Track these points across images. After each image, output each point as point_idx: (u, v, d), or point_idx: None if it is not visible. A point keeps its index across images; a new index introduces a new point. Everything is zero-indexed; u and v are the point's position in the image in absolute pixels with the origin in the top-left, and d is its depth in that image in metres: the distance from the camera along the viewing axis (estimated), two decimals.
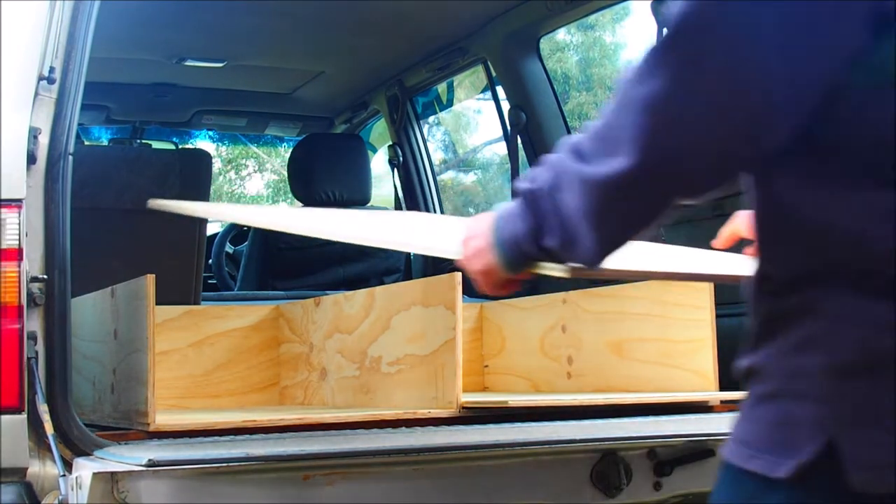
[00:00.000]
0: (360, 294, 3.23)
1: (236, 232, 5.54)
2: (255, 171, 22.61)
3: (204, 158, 4.08)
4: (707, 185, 1.41)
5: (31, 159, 2.46)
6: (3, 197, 2.37)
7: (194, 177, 3.89)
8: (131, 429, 2.56)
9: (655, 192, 1.39)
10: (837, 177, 1.36)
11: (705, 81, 1.30)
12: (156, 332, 2.55)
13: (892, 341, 1.28)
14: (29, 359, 2.35)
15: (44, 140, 2.49)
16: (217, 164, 20.01)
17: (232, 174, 22.54)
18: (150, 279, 2.52)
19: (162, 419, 2.51)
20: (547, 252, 1.52)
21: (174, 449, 2.27)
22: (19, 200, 2.39)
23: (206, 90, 5.50)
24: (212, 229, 5.90)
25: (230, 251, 5.50)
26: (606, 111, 1.40)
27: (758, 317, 1.47)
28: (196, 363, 3.51)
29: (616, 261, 1.50)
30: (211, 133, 6.31)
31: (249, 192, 22.65)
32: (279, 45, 4.88)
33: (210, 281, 5.20)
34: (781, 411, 1.37)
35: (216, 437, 2.47)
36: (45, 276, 2.43)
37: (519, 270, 1.59)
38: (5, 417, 2.31)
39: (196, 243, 3.83)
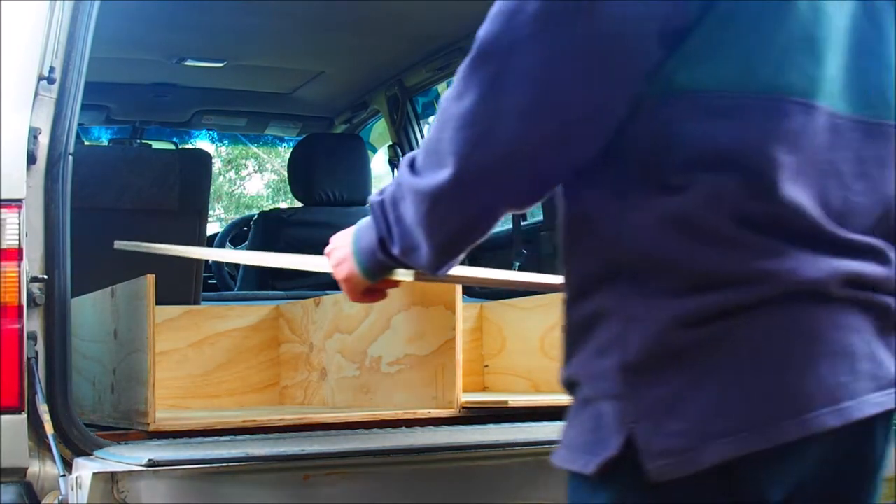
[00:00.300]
0: None
1: (236, 232, 5.54)
2: (255, 172, 22.61)
3: (204, 158, 4.08)
4: (526, 196, 1.51)
5: (31, 159, 2.46)
6: (3, 197, 2.37)
7: (194, 177, 3.89)
8: (131, 429, 2.56)
9: (477, 202, 1.48)
10: (626, 184, 1.45)
11: (509, 100, 1.39)
12: (156, 332, 2.55)
13: (679, 338, 1.38)
14: (29, 359, 2.36)
15: (44, 140, 2.50)
16: (217, 165, 20.01)
17: (232, 174, 22.54)
18: (150, 279, 2.52)
19: (162, 419, 2.51)
20: (395, 259, 1.63)
21: (174, 449, 2.27)
22: (19, 200, 2.39)
23: (206, 90, 5.49)
24: (212, 229, 5.91)
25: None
26: (433, 125, 1.49)
27: (566, 327, 1.56)
28: (196, 363, 3.51)
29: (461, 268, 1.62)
30: (211, 133, 6.31)
31: (249, 192, 22.65)
32: (279, 45, 4.88)
33: (210, 281, 5.20)
34: (593, 413, 1.47)
35: (216, 437, 2.47)
36: (45, 276, 2.43)
37: (376, 277, 1.72)
38: (5, 417, 2.31)
39: (196, 243, 3.84)
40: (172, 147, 5.91)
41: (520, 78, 1.39)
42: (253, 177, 22.81)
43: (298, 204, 5.04)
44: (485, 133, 1.42)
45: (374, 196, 1.64)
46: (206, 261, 4.85)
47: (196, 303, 3.77)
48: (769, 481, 1.41)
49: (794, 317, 1.40)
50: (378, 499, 2.26)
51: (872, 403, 1.42)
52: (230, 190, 22.22)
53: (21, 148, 2.44)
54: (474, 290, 4.83)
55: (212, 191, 4.18)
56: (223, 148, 17.57)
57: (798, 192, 1.42)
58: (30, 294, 2.39)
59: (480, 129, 1.42)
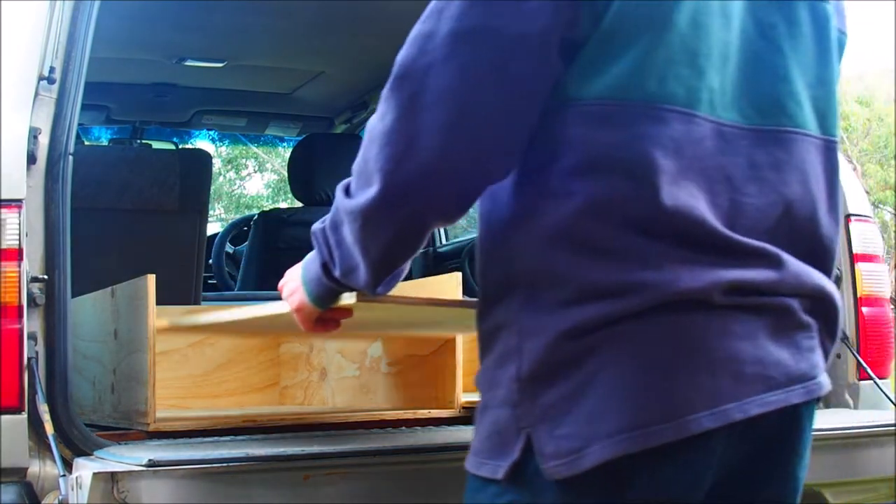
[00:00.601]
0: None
1: (237, 232, 5.54)
2: (256, 172, 22.60)
3: (204, 158, 4.08)
4: (452, 208, 1.58)
5: (32, 159, 2.46)
6: (3, 197, 2.37)
7: (194, 177, 3.89)
8: (131, 429, 2.56)
9: (404, 216, 1.56)
10: (521, 196, 1.56)
11: (427, 117, 1.49)
12: (156, 332, 2.55)
13: (565, 349, 1.49)
14: (29, 359, 2.36)
15: (44, 140, 2.50)
16: (217, 165, 20.00)
17: (232, 174, 22.53)
18: (150, 279, 2.52)
19: (162, 418, 2.51)
20: (339, 283, 1.71)
21: (174, 449, 2.27)
22: (19, 200, 2.39)
23: (206, 90, 5.49)
24: (212, 229, 5.91)
25: (230, 251, 5.50)
26: (361, 148, 1.58)
27: (478, 337, 1.66)
28: (196, 363, 3.50)
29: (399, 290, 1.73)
30: (211, 133, 6.31)
31: (250, 192, 22.65)
32: (279, 45, 4.87)
33: (210, 281, 5.20)
34: (493, 419, 1.58)
35: (216, 437, 2.47)
36: (46, 277, 2.43)
37: (325, 304, 1.79)
38: (5, 417, 2.31)
39: (196, 243, 3.84)
40: (172, 147, 5.91)
41: (436, 96, 1.49)
42: (253, 177, 22.81)
43: (298, 204, 5.04)
44: (406, 149, 1.51)
45: (316, 225, 1.72)
46: (207, 261, 4.85)
47: (196, 303, 3.77)
48: (658, 479, 1.50)
49: (673, 326, 1.49)
50: (378, 499, 2.26)
51: (760, 404, 1.51)
52: (230, 190, 22.21)
53: (21, 148, 2.44)
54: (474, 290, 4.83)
55: (212, 191, 4.18)
56: (223, 148, 17.57)
57: (683, 197, 1.50)
58: (30, 294, 2.39)
59: (402, 145, 1.51)
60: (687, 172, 1.51)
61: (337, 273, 1.69)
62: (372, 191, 1.54)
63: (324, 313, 1.84)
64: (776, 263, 1.56)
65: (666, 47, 1.51)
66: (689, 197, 1.50)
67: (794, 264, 1.59)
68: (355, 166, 1.60)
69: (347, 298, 1.76)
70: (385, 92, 1.55)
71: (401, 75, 1.53)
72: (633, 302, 1.47)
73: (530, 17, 1.48)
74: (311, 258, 1.77)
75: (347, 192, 1.62)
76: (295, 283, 1.84)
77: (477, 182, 1.56)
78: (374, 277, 1.65)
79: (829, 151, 1.68)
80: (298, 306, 1.83)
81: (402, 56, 1.54)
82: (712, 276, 1.49)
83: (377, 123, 1.55)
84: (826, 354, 1.70)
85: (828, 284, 1.65)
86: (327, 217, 1.69)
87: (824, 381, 1.64)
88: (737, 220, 1.55)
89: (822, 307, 1.65)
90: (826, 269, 1.68)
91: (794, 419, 1.62)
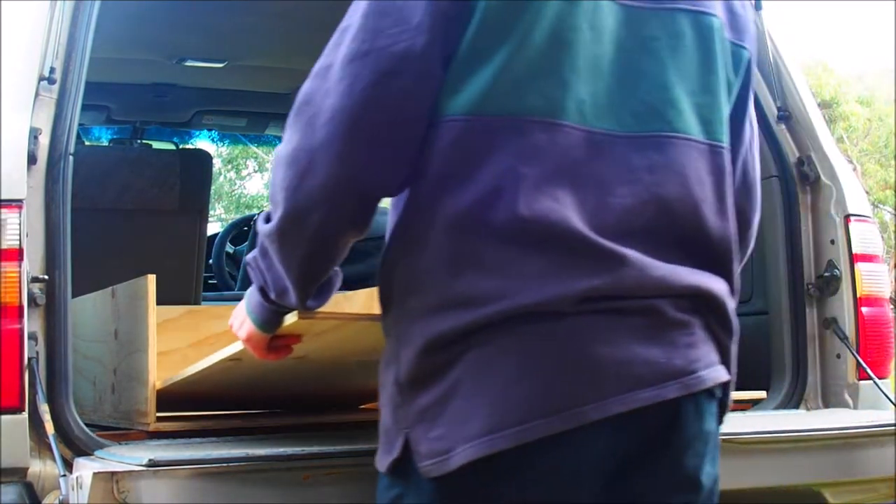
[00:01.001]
0: (361, 294, 3.22)
1: (237, 232, 5.54)
2: (256, 172, 22.59)
3: (204, 158, 4.08)
4: (356, 220, 1.70)
5: (32, 159, 2.46)
6: (4, 197, 2.37)
7: (194, 177, 3.90)
8: (131, 429, 2.56)
9: (314, 232, 1.68)
10: (400, 211, 1.69)
11: (323, 136, 1.62)
12: (156, 331, 2.55)
13: (431, 357, 1.61)
14: (29, 359, 2.36)
15: (44, 140, 2.50)
16: (217, 164, 20.00)
17: (232, 174, 22.53)
18: (151, 279, 2.52)
19: (162, 417, 2.51)
20: (277, 304, 1.83)
21: (174, 449, 2.27)
22: (20, 200, 2.39)
23: (206, 90, 5.49)
24: (212, 229, 5.90)
25: (230, 251, 5.50)
26: (271, 173, 1.72)
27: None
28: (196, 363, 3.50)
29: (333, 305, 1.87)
30: (211, 133, 6.31)
31: (250, 192, 22.64)
32: (279, 45, 4.87)
33: (210, 281, 5.20)
34: (383, 418, 1.72)
35: (216, 438, 2.48)
36: (46, 277, 2.43)
37: (272, 328, 1.90)
38: (6, 417, 2.31)
39: (196, 243, 3.84)
40: (173, 147, 5.91)
41: (329, 115, 1.62)
42: (253, 177, 22.80)
43: None
44: (306, 168, 1.64)
45: (248, 255, 1.83)
46: (207, 261, 4.85)
47: (196, 303, 3.77)
48: (527, 477, 1.60)
49: (528, 335, 1.59)
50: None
51: (622, 402, 1.60)
52: (230, 190, 22.21)
53: (21, 148, 2.44)
54: None
55: (212, 191, 4.18)
56: (223, 148, 17.57)
57: (545, 203, 1.59)
58: (30, 294, 2.39)
59: (302, 165, 1.64)
60: (552, 179, 1.60)
61: (273, 296, 1.81)
62: (280, 212, 1.68)
63: (274, 340, 1.95)
64: (636, 267, 1.63)
65: (523, 63, 1.61)
66: (552, 202, 1.59)
67: (659, 267, 1.65)
68: (269, 193, 1.73)
69: (289, 318, 1.86)
70: (289, 120, 1.69)
71: (302, 102, 1.68)
72: (487, 312, 1.58)
73: (413, 35, 1.61)
74: (251, 288, 1.87)
75: (267, 217, 1.74)
76: (241, 314, 1.94)
77: (373, 194, 1.68)
78: (302, 294, 1.77)
79: (714, 155, 1.75)
80: (248, 335, 1.93)
81: (304, 88, 1.69)
82: (562, 287, 1.58)
83: (282, 148, 1.68)
84: (721, 348, 1.76)
85: (706, 282, 1.71)
86: (257, 246, 1.80)
87: (707, 375, 1.69)
88: (605, 221, 1.63)
89: (703, 304, 1.71)
90: (718, 266, 1.75)
91: (676, 414, 1.67)
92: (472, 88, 1.61)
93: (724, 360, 1.77)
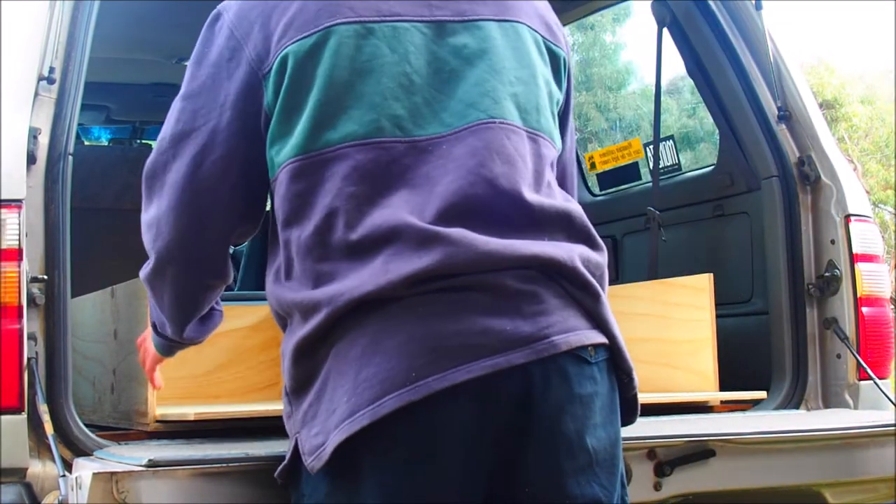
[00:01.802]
0: None
1: None
2: None
3: None
4: (208, 268, 2.03)
5: (31, 159, 2.46)
6: (3, 197, 2.37)
7: None
8: (131, 429, 2.56)
9: (175, 281, 2.01)
10: (271, 248, 1.99)
11: (165, 204, 1.93)
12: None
13: (301, 363, 1.83)
14: (29, 359, 2.36)
15: (44, 140, 2.49)
16: None
17: None
18: None
19: (162, 417, 2.51)
20: (165, 336, 2.17)
21: (174, 449, 2.27)
22: (19, 200, 2.39)
23: None
24: None
25: (230, 251, 5.49)
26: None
27: None
28: (196, 363, 3.50)
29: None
30: None
31: None
32: None
33: None
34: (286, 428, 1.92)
35: (216, 438, 2.47)
36: (45, 277, 2.43)
37: (172, 352, 2.25)
38: (5, 418, 2.31)
39: None
40: None
41: (165, 188, 1.93)
42: None
43: None
44: (156, 231, 1.96)
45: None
46: None
47: None
48: (388, 448, 1.73)
49: (369, 321, 1.75)
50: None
51: (468, 371, 1.70)
52: None
53: (21, 148, 2.44)
54: None
55: None
56: None
57: (378, 211, 1.78)
58: (30, 294, 2.39)
59: (155, 229, 1.96)
60: (382, 189, 1.80)
61: (161, 329, 2.16)
62: (149, 265, 2.01)
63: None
64: (463, 245, 1.75)
65: (333, 100, 1.83)
66: (384, 209, 1.78)
67: (488, 242, 1.77)
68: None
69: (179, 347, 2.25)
70: (143, 191, 1.99)
71: (147, 176, 1.97)
72: (331, 308, 1.76)
73: (219, 113, 1.89)
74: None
75: (145, 263, 2.05)
76: (148, 341, 2.28)
77: (213, 247, 2.00)
78: (176, 328, 2.12)
79: (532, 141, 1.90)
80: (153, 360, 2.30)
81: (149, 160, 1.97)
82: (393, 274, 1.74)
83: (142, 216, 2.00)
84: (588, 312, 1.85)
85: (548, 251, 1.81)
86: None
87: (561, 340, 1.78)
88: (434, 210, 1.78)
89: (551, 272, 1.81)
90: (562, 234, 1.85)
91: (533, 380, 1.76)
92: (295, 135, 1.84)
93: (597, 324, 1.86)
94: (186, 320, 2.10)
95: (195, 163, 1.90)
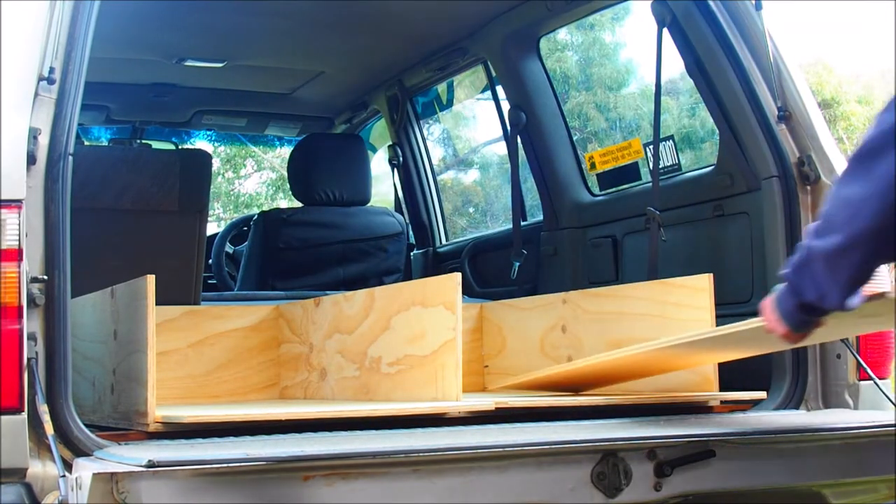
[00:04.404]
0: (360, 294, 3.23)
1: (236, 232, 5.54)
2: (255, 171, 22.59)
3: (204, 158, 4.08)
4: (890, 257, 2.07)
5: (31, 159, 2.46)
6: (3, 197, 2.37)
7: (194, 177, 3.89)
8: (131, 429, 2.56)
9: (862, 263, 2.06)
10: None
11: (875, 196, 1.94)
12: (156, 332, 2.55)
13: None
14: (29, 359, 2.35)
15: (44, 140, 2.49)
16: (216, 164, 19.99)
17: (230, 174, 22.51)
18: (150, 279, 2.52)
19: (162, 417, 2.51)
20: (821, 311, 2.17)
21: (174, 449, 2.27)
22: (19, 201, 2.39)
23: (206, 90, 5.49)
24: (212, 229, 5.90)
25: (230, 251, 5.50)
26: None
27: None
28: (196, 363, 3.50)
29: None
30: (210, 133, 6.31)
31: (249, 191, 22.63)
32: (279, 45, 4.87)
33: (210, 281, 5.20)
34: None
35: (216, 438, 2.47)
36: (45, 277, 2.43)
37: (807, 329, 2.24)
38: (5, 418, 2.31)
39: (196, 243, 3.83)
40: (172, 147, 5.91)
41: (879, 178, 1.91)
42: (252, 176, 22.80)
43: (298, 204, 5.04)
44: (856, 213, 1.96)
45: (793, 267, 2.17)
46: (207, 261, 4.85)
47: (196, 303, 3.77)
48: None
49: None
50: (378, 499, 2.26)
51: None
52: (229, 190, 22.20)
53: (21, 148, 2.44)
54: (474, 291, 4.83)
55: (211, 190, 4.18)
56: (221, 147, 17.56)
57: None
58: (30, 294, 2.39)
59: (853, 209, 1.96)
60: None
61: (812, 299, 2.14)
62: (834, 241, 2.02)
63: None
64: None
65: None
66: None
67: None
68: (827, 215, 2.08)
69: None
70: (850, 162, 1.99)
71: (863, 152, 1.96)
72: None
73: None
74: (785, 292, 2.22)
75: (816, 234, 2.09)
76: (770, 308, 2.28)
77: None
78: (841, 299, 2.11)
79: None
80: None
81: (868, 136, 1.96)
82: None
83: (841, 188, 2.01)
84: None
85: None
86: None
87: None
88: None
89: None
90: None
91: None
92: None
93: None
94: (853, 292, 2.11)
95: None
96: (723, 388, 3.06)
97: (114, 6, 3.08)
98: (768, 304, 2.27)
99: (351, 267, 4.97)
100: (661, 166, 3.81)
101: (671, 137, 3.99)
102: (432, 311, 2.88)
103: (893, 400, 2.97)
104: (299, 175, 4.99)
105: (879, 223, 1.95)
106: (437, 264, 5.33)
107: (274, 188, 21.47)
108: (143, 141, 5.79)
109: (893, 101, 1.95)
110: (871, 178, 1.93)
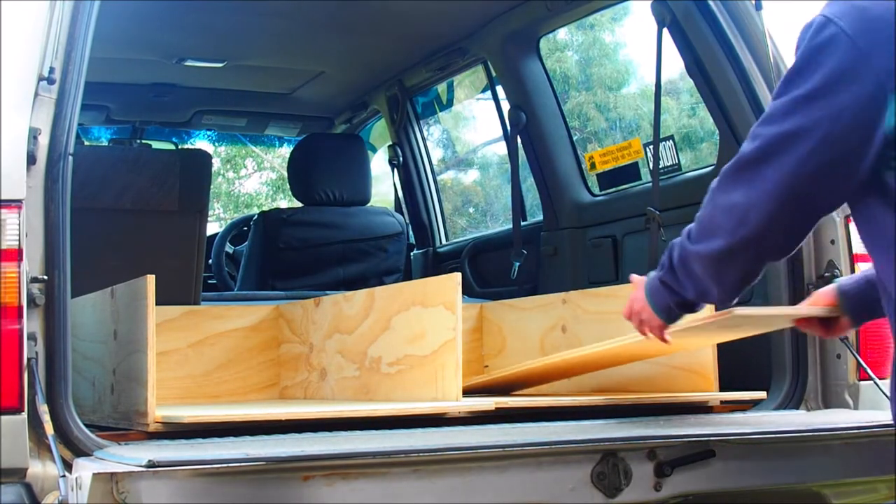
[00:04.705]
0: (360, 294, 3.23)
1: (236, 232, 5.54)
2: (255, 171, 22.59)
3: (204, 158, 4.08)
4: (780, 255, 2.16)
5: (31, 159, 2.46)
6: (3, 197, 2.37)
7: (194, 177, 3.89)
8: (131, 429, 2.56)
9: (749, 262, 2.14)
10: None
11: (762, 200, 2.03)
12: (156, 332, 2.55)
13: None
14: (29, 359, 2.35)
15: (44, 140, 2.49)
16: (216, 164, 19.98)
17: (231, 174, 22.52)
18: (150, 279, 2.52)
19: (162, 417, 2.51)
20: (693, 305, 2.35)
21: (174, 449, 2.27)
22: (19, 201, 2.39)
23: (206, 90, 5.49)
24: (212, 229, 5.90)
25: (230, 251, 5.50)
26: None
27: None
28: (196, 363, 3.50)
29: None
30: (210, 133, 6.31)
31: (248, 191, 22.64)
32: (279, 45, 4.87)
33: (210, 281, 5.20)
34: None
35: (216, 438, 2.47)
36: (45, 277, 2.43)
37: (676, 319, 2.40)
38: (5, 418, 2.30)
39: (196, 243, 3.83)
40: (172, 147, 5.91)
41: (766, 181, 1.99)
42: (252, 176, 22.80)
43: (298, 204, 5.05)
44: (743, 219, 2.04)
45: (668, 264, 2.29)
46: (206, 261, 4.85)
47: (196, 303, 3.77)
48: None
49: None
50: (378, 499, 2.26)
51: None
52: (229, 190, 22.21)
53: (21, 148, 2.44)
54: (474, 291, 4.83)
55: (211, 190, 4.19)
56: (222, 147, 17.56)
57: None
58: (30, 294, 2.39)
59: (739, 216, 2.04)
60: None
61: (691, 297, 2.28)
62: (718, 246, 2.10)
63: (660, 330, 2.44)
64: None
65: None
66: None
67: None
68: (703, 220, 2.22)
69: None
70: (728, 174, 2.13)
71: (742, 162, 2.08)
72: None
73: (835, 121, 1.92)
74: (656, 285, 2.36)
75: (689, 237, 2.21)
76: (640, 304, 2.43)
77: (793, 240, 2.09)
78: (727, 296, 2.22)
79: None
80: (650, 322, 2.43)
81: (745, 147, 2.09)
82: None
83: (720, 197, 2.15)
84: None
85: None
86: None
87: None
88: None
89: None
90: None
91: None
92: None
93: None
94: (740, 291, 2.20)
95: (800, 163, 1.96)
96: (723, 388, 3.06)
97: (114, 6, 3.08)
98: (640, 297, 2.42)
99: (351, 267, 4.97)
100: (661, 166, 3.81)
101: (671, 137, 3.99)
102: (432, 311, 2.88)
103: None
104: (299, 175, 4.99)
105: (764, 229, 2.02)
106: (437, 264, 5.33)
107: (274, 188, 21.47)
108: (143, 141, 5.79)
109: (764, 115, 2.05)
110: (755, 186, 2.00)
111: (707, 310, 2.63)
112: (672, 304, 2.33)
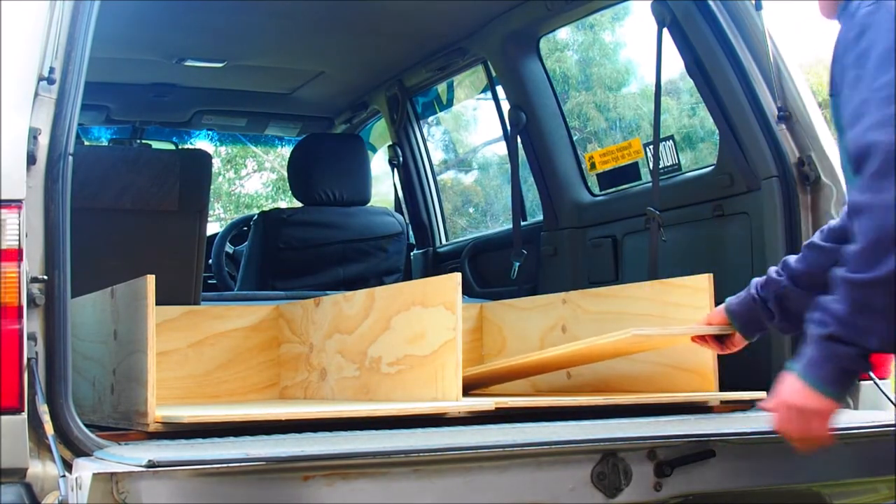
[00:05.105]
0: (360, 294, 3.23)
1: (236, 232, 5.54)
2: (255, 171, 22.59)
3: (204, 158, 4.08)
4: None
5: (31, 159, 2.46)
6: (3, 197, 2.37)
7: (194, 177, 3.89)
8: (131, 429, 2.56)
9: None
10: None
11: None
12: (156, 332, 2.55)
13: None
14: (29, 359, 2.35)
15: (44, 140, 2.49)
16: (216, 164, 19.98)
17: (231, 174, 22.52)
18: (150, 279, 2.52)
19: (162, 417, 2.51)
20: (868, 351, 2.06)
21: (174, 449, 2.27)
22: (19, 201, 2.39)
23: (206, 90, 5.49)
24: (212, 229, 5.90)
25: (230, 251, 5.50)
26: None
27: None
28: (196, 363, 3.50)
29: None
30: (210, 133, 6.31)
31: (248, 191, 22.64)
32: (279, 45, 4.87)
33: (210, 281, 5.20)
34: None
35: (216, 438, 2.47)
36: (45, 277, 2.43)
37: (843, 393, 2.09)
38: (5, 418, 2.30)
39: (196, 243, 3.83)
40: (172, 147, 5.91)
41: None
42: (252, 176, 22.80)
43: (298, 204, 5.05)
44: None
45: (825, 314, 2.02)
46: (206, 261, 4.85)
47: (196, 303, 3.77)
48: None
49: None
50: (378, 499, 2.25)
51: None
52: (229, 190, 22.21)
53: (21, 148, 2.44)
54: (474, 291, 4.83)
55: (211, 190, 4.19)
56: (222, 147, 17.56)
57: None
58: (30, 294, 2.39)
59: None
60: None
61: (876, 346, 2.01)
62: None
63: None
64: None
65: None
66: None
67: None
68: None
69: None
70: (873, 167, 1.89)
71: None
72: None
73: None
74: (816, 360, 2.05)
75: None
76: (795, 398, 2.08)
77: None
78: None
79: None
80: (820, 415, 2.08)
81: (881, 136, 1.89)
82: None
83: (879, 196, 1.89)
84: None
85: None
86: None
87: None
88: None
89: None
90: None
91: None
92: None
93: None
94: None
95: None
96: (723, 388, 3.06)
97: (114, 6, 3.08)
98: (790, 387, 2.09)
99: (351, 267, 4.97)
100: (661, 166, 3.81)
101: (671, 137, 3.99)
102: (432, 311, 2.88)
103: (893, 400, 2.97)
104: (299, 175, 4.99)
105: None
106: (437, 264, 5.33)
107: (274, 188, 21.47)
108: (143, 141, 5.79)
109: (882, 97, 1.93)
110: None
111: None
112: (848, 366, 2.00)
